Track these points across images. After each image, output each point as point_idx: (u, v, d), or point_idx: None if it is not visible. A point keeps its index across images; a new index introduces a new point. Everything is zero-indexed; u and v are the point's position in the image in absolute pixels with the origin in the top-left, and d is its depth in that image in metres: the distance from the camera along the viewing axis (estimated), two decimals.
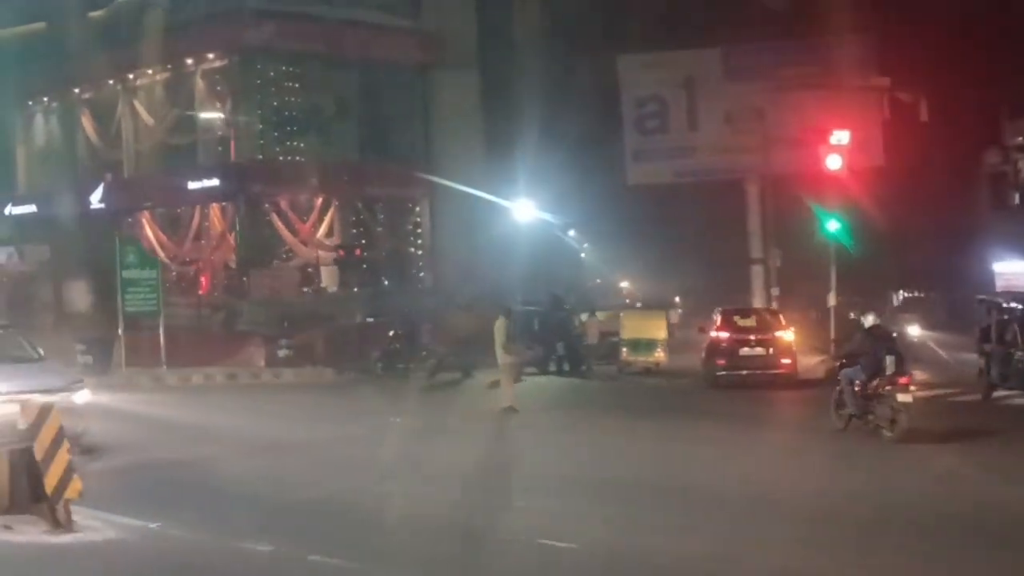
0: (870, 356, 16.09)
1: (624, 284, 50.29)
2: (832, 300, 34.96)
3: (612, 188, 42.01)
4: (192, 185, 35.62)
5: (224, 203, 35.91)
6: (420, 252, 38.93)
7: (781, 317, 27.45)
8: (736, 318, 26.52)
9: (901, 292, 48.12)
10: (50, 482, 9.74)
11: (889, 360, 15.90)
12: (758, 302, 41.69)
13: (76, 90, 40.42)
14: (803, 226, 39.57)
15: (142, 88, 38.73)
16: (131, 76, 38.42)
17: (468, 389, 24.43)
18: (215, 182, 34.99)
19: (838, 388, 16.71)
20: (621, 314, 31.20)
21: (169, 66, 36.88)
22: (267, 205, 35.45)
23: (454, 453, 14.86)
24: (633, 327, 29.89)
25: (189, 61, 36.01)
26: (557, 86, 41.61)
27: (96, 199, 38.77)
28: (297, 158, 36.32)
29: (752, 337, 25.26)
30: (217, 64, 35.77)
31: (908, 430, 15.32)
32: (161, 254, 37.49)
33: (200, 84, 36.00)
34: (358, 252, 34.89)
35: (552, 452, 15.51)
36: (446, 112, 39.20)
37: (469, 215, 39.83)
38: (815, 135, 31.29)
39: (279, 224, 35.55)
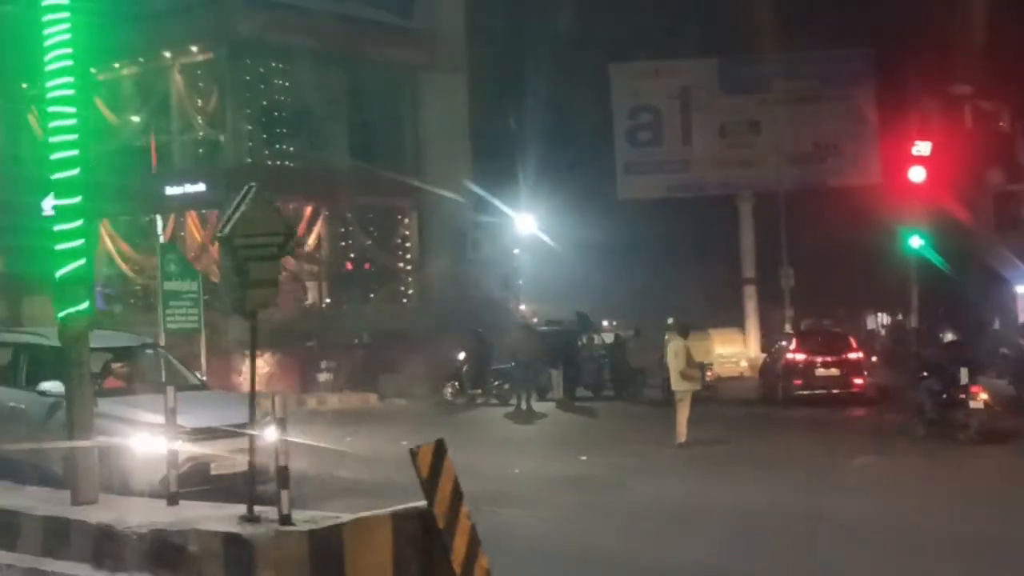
0: (945, 368, 18.33)
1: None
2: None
3: (602, 201, 39.93)
4: (171, 191, 32.16)
5: (204, 211, 32.56)
6: (408, 267, 36.02)
7: (852, 339, 28.22)
8: (810, 339, 27.82)
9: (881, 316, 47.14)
10: (457, 557, 6.98)
11: (963, 372, 17.87)
12: (752, 324, 40.17)
13: (23, 85, 36.41)
14: (814, 243, 38.29)
15: (104, 84, 35.05)
16: (92, 70, 34.67)
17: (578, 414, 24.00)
18: (200, 188, 31.61)
19: (917, 399, 18.96)
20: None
21: (141, 59, 33.38)
22: None
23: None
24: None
25: (166, 54, 32.55)
26: (548, 94, 39.45)
27: (49, 206, 34.80)
28: (286, 163, 33.21)
29: (826, 358, 26.37)
30: (200, 58, 32.42)
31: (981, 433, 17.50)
32: (123, 267, 34.14)
33: (178, 79, 32.59)
34: (367, 266, 31.83)
35: (870, 500, 13.40)
36: (434, 117, 36.55)
37: (457, 228, 37.42)
38: (895, 146, 29.74)
39: None
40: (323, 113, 33.54)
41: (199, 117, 32.33)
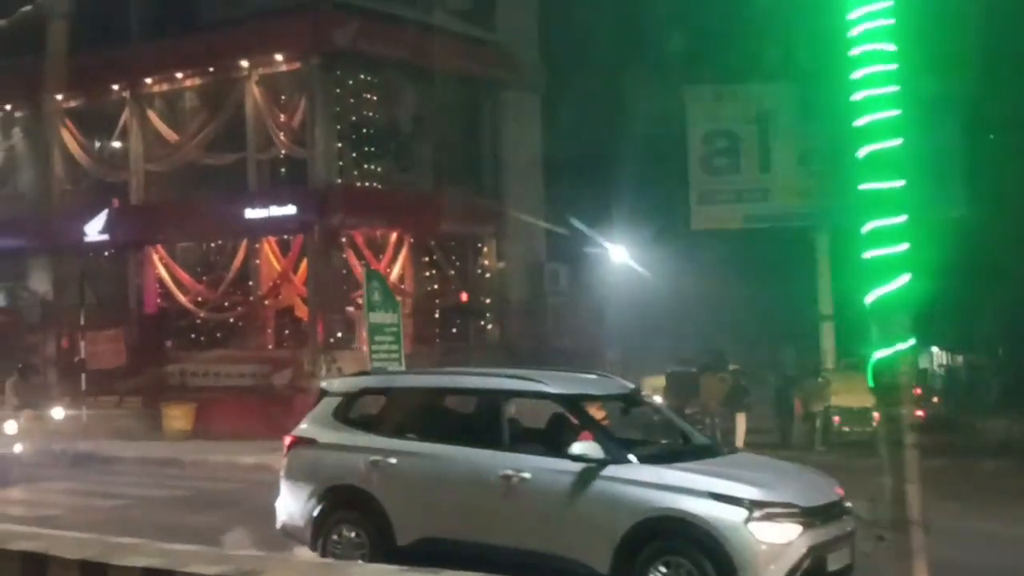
0: None
1: None
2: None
3: (673, 230, 37.47)
4: (252, 214, 28.97)
5: (287, 236, 29.46)
6: (488, 300, 33.13)
7: None
8: None
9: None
10: None
11: None
12: (829, 362, 38.00)
13: (58, 97, 32.92)
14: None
15: (159, 95, 31.78)
16: (147, 80, 31.43)
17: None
18: (289, 210, 28.47)
19: None
20: (828, 377, 26.89)
21: (211, 69, 30.20)
22: (343, 240, 29.20)
23: None
24: (846, 392, 25.59)
25: (243, 63, 29.41)
26: (624, 117, 37.07)
27: (95, 229, 31.46)
28: (374, 184, 30.25)
29: None
30: (284, 68, 29.36)
31: None
32: (182, 299, 30.80)
33: (255, 91, 29.46)
34: (465, 298, 28.82)
35: None
36: (511, 138, 33.98)
37: (535, 259, 34.86)
38: None
39: (354, 263, 29.32)
40: (409, 132, 30.75)
41: (281, 133, 29.20)
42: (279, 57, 29.01)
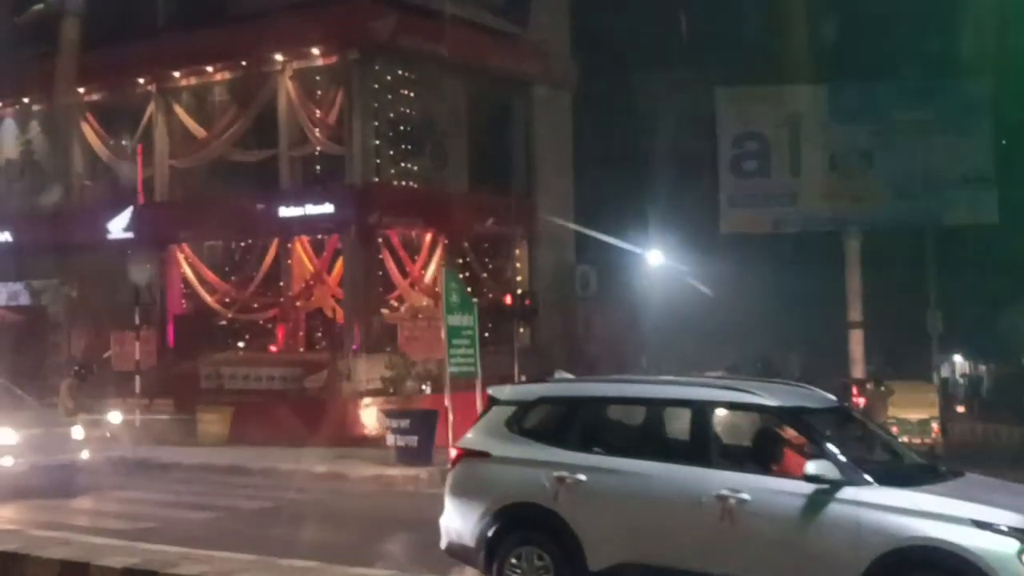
0: None
1: None
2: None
3: (701, 233, 36.82)
4: (286, 212, 28.07)
5: (320, 235, 28.59)
6: (528, 302, 32.15)
7: None
8: None
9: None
10: None
11: None
12: (858, 371, 37.38)
13: (80, 90, 31.92)
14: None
15: (186, 89, 30.83)
16: (175, 73, 30.47)
17: None
18: (326, 209, 27.58)
19: None
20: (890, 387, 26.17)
21: (242, 63, 29.28)
22: (380, 240, 28.33)
23: None
24: (902, 403, 24.94)
25: (277, 57, 28.50)
26: (653, 118, 36.45)
27: (118, 227, 30.47)
28: (410, 183, 29.40)
29: None
30: (320, 62, 28.47)
31: None
32: (209, 299, 29.87)
33: (289, 86, 28.57)
34: (509, 300, 27.92)
35: None
36: (544, 137, 33.22)
37: (565, 261, 34.13)
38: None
39: (391, 264, 28.48)
40: (445, 129, 29.92)
41: (316, 129, 28.32)
42: (315, 51, 28.13)
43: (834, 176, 37.16)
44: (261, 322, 29.85)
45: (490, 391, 9.96)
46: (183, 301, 30.66)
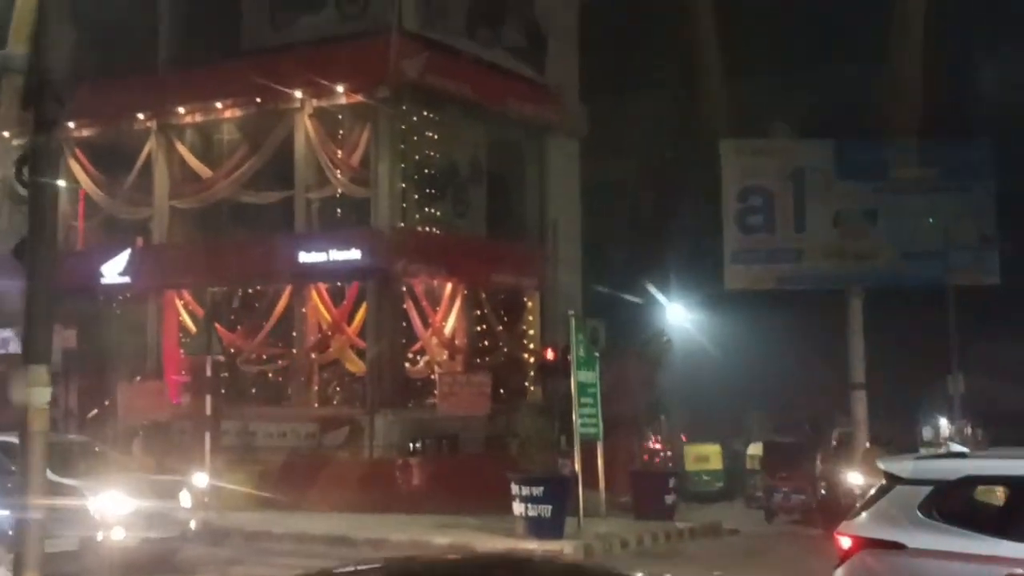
0: None
1: None
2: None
3: (707, 288, 35.81)
4: (307, 258, 26.39)
5: (340, 282, 26.97)
6: (531, 358, 30.87)
7: None
8: None
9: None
10: None
11: None
12: (862, 433, 36.54)
13: (71, 124, 29.92)
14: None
15: (192, 126, 29.09)
16: (179, 109, 28.73)
17: None
18: (352, 255, 25.97)
19: None
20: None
21: (257, 99, 27.66)
22: (404, 289, 26.80)
23: None
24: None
25: (296, 94, 26.96)
26: (660, 170, 35.56)
27: (114, 271, 28.49)
28: (433, 229, 27.93)
29: None
30: (343, 100, 26.97)
31: None
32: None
33: (308, 124, 27.06)
34: (554, 355, 26.48)
35: None
36: (556, 185, 32.07)
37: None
38: None
39: (414, 314, 26.94)
40: (468, 172, 28.63)
41: (338, 170, 26.78)
42: (340, 88, 26.58)
43: (838, 233, 36.48)
44: (270, 374, 28.00)
45: (886, 467, 8.45)
46: (181, 351, 28.67)
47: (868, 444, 26.94)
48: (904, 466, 8.35)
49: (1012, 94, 36.21)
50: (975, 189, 36.83)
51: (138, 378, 27.70)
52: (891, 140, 36.55)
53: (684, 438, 29.19)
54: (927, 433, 43.91)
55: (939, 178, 36.62)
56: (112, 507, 13.09)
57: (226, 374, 28.11)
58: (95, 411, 26.98)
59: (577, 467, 16.56)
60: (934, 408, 35.83)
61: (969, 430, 42.44)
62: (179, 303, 28.70)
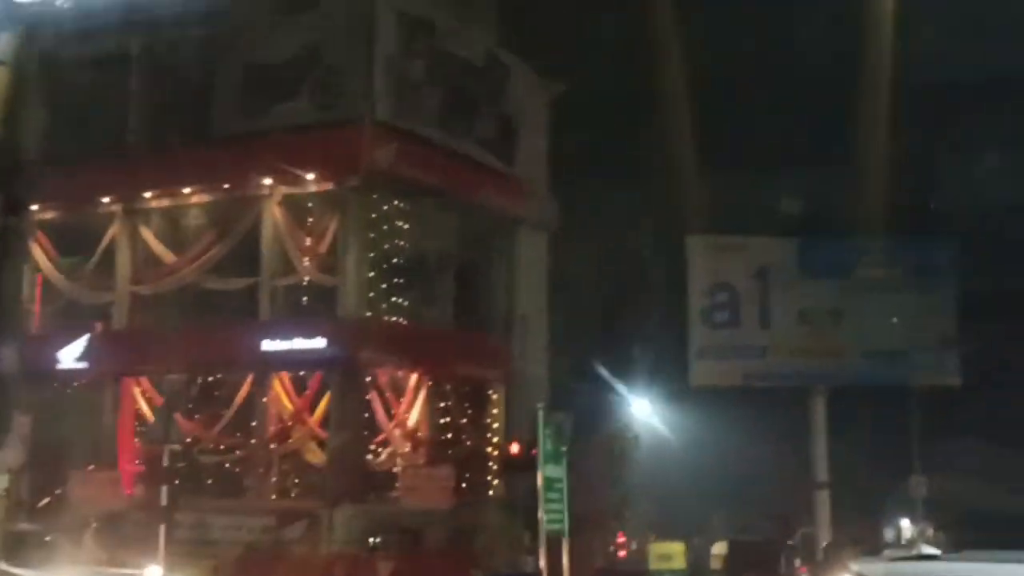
0: None
1: None
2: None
3: (673, 383, 35.67)
4: (268, 346, 26.01)
5: (302, 372, 26.58)
6: (495, 452, 30.45)
7: None
8: None
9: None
10: None
11: None
12: (825, 535, 36.24)
13: (34, 207, 29.58)
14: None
15: (158, 211, 28.82)
16: (145, 194, 28.50)
17: None
18: (317, 343, 25.62)
19: None
20: None
21: (225, 185, 27.49)
22: (368, 379, 26.44)
23: None
24: None
25: (266, 181, 26.80)
26: (628, 263, 35.61)
27: (71, 356, 27.96)
28: (400, 319, 27.64)
29: None
30: (313, 188, 26.82)
31: None
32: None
33: (276, 211, 26.88)
34: (519, 450, 26.06)
35: None
36: (522, 279, 31.93)
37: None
38: None
39: (378, 405, 26.56)
40: (435, 263, 28.47)
41: (306, 258, 26.53)
42: (310, 176, 26.43)
43: (804, 331, 36.57)
44: (227, 465, 27.39)
45: (860, 569, 8.32)
46: (135, 440, 28.06)
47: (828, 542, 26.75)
48: (876, 569, 8.24)
49: (974, 197, 36.81)
50: (937, 290, 37.13)
51: (92, 467, 26.96)
52: (855, 240, 36.87)
53: (654, 537, 28.75)
54: (889, 534, 43.80)
55: (902, 278, 36.95)
56: None
57: (182, 464, 27.56)
58: (47, 500, 26.28)
59: (542, 563, 16.13)
60: (896, 509, 35.69)
61: (931, 531, 42.35)
62: (137, 390, 28.17)
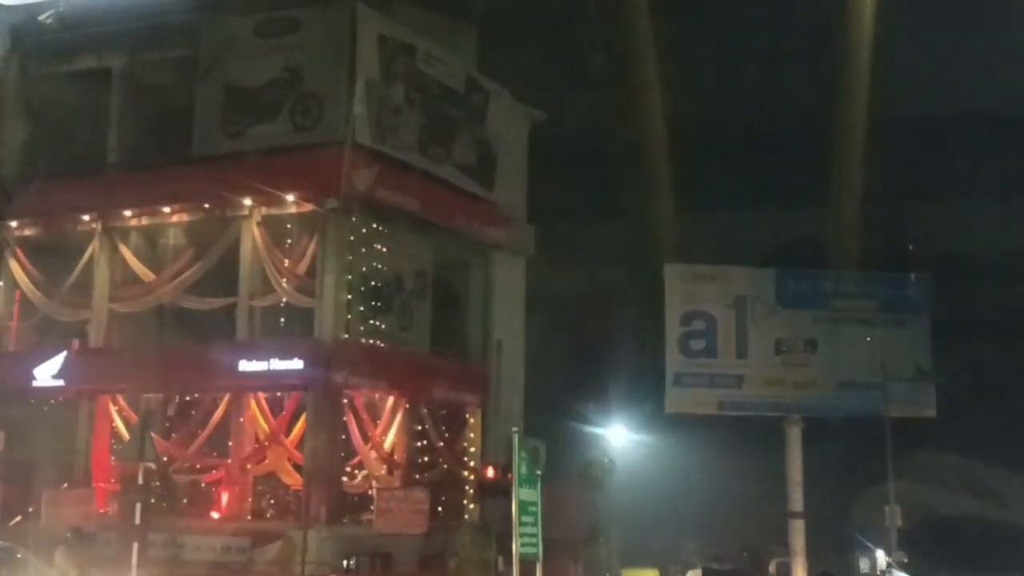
0: None
1: None
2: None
3: (648, 410, 35.78)
4: (245, 366, 26.01)
5: (279, 392, 26.59)
6: (471, 476, 30.44)
7: None
8: None
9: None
10: None
11: None
12: (800, 563, 36.32)
13: (12, 223, 29.57)
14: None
15: (137, 229, 28.84)
16: (125, 212, 28.53)
17: None
18: (294, 365, 25.64)
19: None
20: None
21: (205, 205, 27.55)
22: (345, 401, 26.47)
23: None
24: None
25: (246, 202, 26.88)
26: (604, 290, 35.76)
27: (47, 374, 27.90)
28: (377, 342, 27.68)
29: None
30: (293, 209, 26.90)
31: None
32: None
33: (256, 233, 26.94)
34: (495, 474, 26.17)
35: None
36: (499, 303, 32.08)
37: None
38: None
39: (354, 428, 26.58)
40: (412, 287, 28.56)
41: (284, 279, 26.60)
42: (290, 197, 26.51)
43: (779, 361, 36.72)
44: (203, 484, 27.33)
45: None
46: (110, 458, 27.97)
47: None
48: None
49: (949, 232, 37.18)
50: (912, 323, 37.37)
51: (65, 484, 26.84)
52: (831, 272, 37.11)
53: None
54: (864, 565, 43.87)
55: (878, 310, 37.17)
56: None
57: (157, 483, 27.47)
58: (19, 517, 26.10)
59: None
60: (871, 539, 35.76)
61: (905, 560, 42.43)
62: (113, 408, 28.13)
